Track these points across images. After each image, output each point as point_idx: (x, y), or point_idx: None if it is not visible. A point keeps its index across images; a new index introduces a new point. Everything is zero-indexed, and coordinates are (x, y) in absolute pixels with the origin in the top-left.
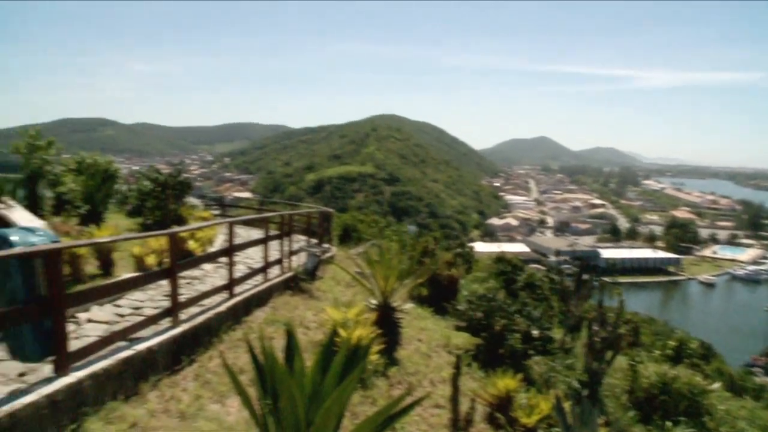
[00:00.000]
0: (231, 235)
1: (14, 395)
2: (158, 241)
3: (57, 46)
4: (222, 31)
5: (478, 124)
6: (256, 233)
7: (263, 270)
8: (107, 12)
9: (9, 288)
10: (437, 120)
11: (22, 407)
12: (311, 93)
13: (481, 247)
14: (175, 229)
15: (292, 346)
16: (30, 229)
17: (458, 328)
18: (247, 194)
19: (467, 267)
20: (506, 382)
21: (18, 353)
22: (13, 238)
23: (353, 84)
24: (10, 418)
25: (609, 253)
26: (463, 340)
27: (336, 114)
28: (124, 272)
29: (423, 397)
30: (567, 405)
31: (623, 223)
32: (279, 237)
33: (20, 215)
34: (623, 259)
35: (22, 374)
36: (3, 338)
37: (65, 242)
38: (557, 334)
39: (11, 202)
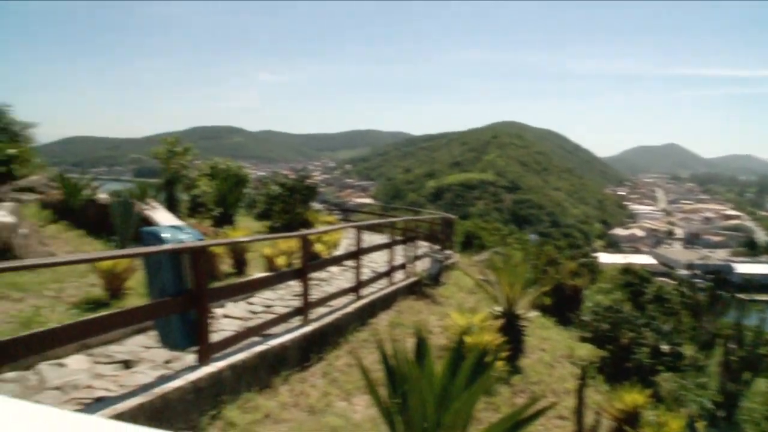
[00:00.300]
0: (359, 239)
1: (164, 379)
2: (287, 243)
3: (190, 60)
4: (345, 41)
5: (602, 130)
6: (379, 238)
7: (388, 274)
8: (237, 25)
9: (160, 281)
10: (559, 127)
11: (171, 391)
12: (432, 100)
13: (605, 257)
14: (307, 231)
15: (422, 348)
16: (178, 227)
17: (583, 339)
18: (367, 200)
19: (591, 277)
20: (633, 396)
21: (167, 341)
22: (165, 235)
23: (474, 91)
24: (161, 400)
25: (745, 267)
26: (587, 351)
27: (457, 121)
28: (255, 272)
29: (548, 407)
30: (700, 425)
31: (762, 237)
32: (403, 242)
33: (162, 216)
34: (762, 275)
35: (167, 361)
36: (154, 327)
37: (209, 240)
38: (688, 350)
39: (155, 204)
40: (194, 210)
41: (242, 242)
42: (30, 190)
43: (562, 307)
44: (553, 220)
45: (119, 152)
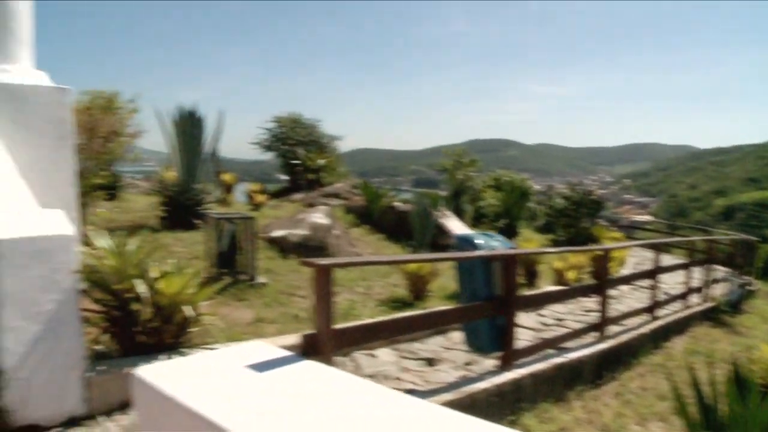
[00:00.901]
0: (657, 257)
1: (469, 380)
2: (577, 257)
3: (467, 75)
4: (623, 50)
5: None
6: (667, 258)
7: (683, 296)
8: (513, 40)
9: (472, 285)
10: None
11: (478, 391)
12: (722, 109)
13: None
14: (608, 246)
15: (742, 381)
16: (489, 234)
17: None
18: (647, 217)
19: None
20: None
21: (473, 344)
22: (478, 241)
23: None
24: (469, 399)
25: None
26: None
27: (753, 132)
28: (544, 284)
29: None
30: None
31: None
32: (699, 264)
33: (455, 224)
34: None
35: (467, 363)
36: (462, 328)
37: (521, 248)
38: None
39: (447, 213)
40: (477, 220)
41: (546, 253)
42: (335, 195)
43: None
44: None
45: (399, 163)
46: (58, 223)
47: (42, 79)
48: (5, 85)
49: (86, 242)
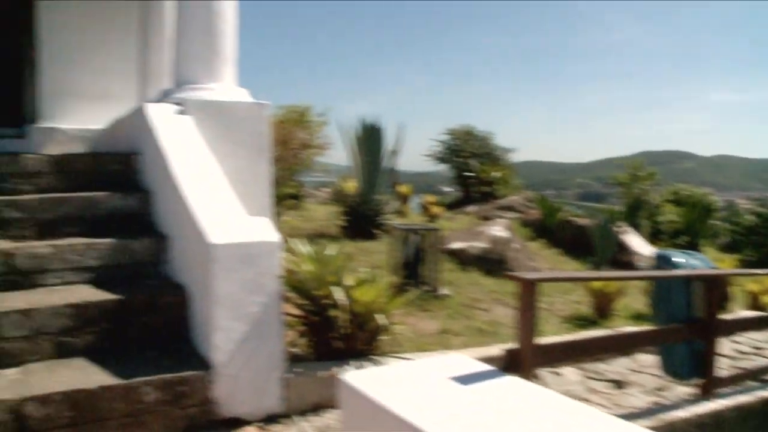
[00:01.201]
0: None
1: (665, 407)
2: None
3: (634, 83)
4: None
5: None
6: None
7: None
8: (686, 45)
9: (669, 306)
10: None
11: (677, 420)
12: None
13: None
14: None
15: None
16: (689, 252)
17: None
18: None
19: None
20: None
21: (669, 368)
22: (677, 259)
23: None
24: (668, 427)
25: None
26: None
27: None
28: (737, 308)
29: None
30: None
31: None
32: None
33: (636, 241)
34: None
35: (658, 388)
36: (658, 351)
37: (724, 269)
38: None
39: (627, 228)
40: (655, 237)
41: (754, 275)
42: (509, 208)
43: None
44: None
45: (564, 176)
46: (265, 230)
47: (243, 95)
48: (212, 102)
49: (287, 249)
